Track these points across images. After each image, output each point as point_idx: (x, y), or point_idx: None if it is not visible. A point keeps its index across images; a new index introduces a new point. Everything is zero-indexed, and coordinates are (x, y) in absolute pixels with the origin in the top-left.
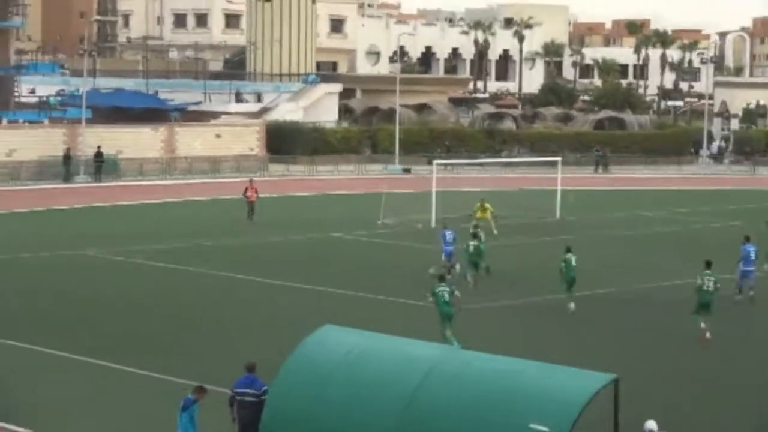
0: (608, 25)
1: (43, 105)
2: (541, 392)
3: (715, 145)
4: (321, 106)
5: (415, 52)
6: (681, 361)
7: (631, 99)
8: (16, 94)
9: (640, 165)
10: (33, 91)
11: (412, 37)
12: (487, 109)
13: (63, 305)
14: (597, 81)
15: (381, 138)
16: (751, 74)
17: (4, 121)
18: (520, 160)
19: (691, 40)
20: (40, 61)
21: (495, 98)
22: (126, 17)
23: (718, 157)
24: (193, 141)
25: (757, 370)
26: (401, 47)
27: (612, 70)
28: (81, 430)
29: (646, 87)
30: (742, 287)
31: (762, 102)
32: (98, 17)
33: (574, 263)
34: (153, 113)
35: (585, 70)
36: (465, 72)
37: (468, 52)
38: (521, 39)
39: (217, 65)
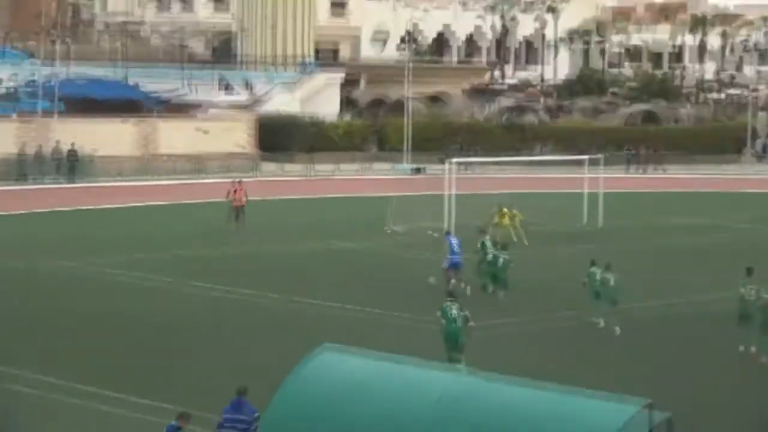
0: (641, 9)
1: (10, 97)
2: (569, 420)
3: (759, 143)
4: (320, 97)
5: (426, 37)
6: (722, 385)
7: (667, 90)
8: None
9: (676, 164)
10: None
11: (423, 19)
12: (508, 101)
13: (28, 324)
14: (630, 70)
15: (388, 133)
16: None
17: None
18: (543, 158)
19: (733, 25)
20: (7, 49)
21: (516, 89)
22: None
23: (763, 156)
24: (175, 137)
25: None
26: (411, 31)
27: (646, 58)
28: None
29: (683, 77)
30: None
31: None
32: None
33: (598, 277)
34: (132, 106)
35: (617, 58)
36: (483, 60)
37: (487, 36)
38: (547, 23)
39: (202, 51)
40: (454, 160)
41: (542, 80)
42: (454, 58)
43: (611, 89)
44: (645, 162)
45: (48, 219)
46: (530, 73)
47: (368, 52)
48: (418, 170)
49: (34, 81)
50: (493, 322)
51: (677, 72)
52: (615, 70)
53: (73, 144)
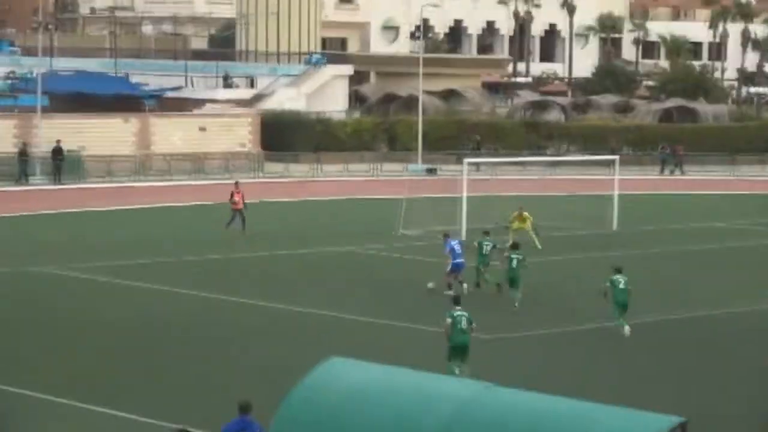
0: None
1: None
2: None
3: None
4: (327, 93)
5: (441, 27)
6: (756, 402)
7: (704, 84)
8: None
9: (715, 165)
10: None
11: (437, 8)
12: (530, 96)
13: (15, 333)
14: (663, 62)
15: (400, 132)
16: None
17: None
18: (568, 158)
19: None
20: None
21: (539, 83)
22: None
23: None
24: (171, 135)
25: None
26: (424, 21)
27: (682, 49)
28: None
29: (723, 70)
30: None
31: None
32: None
33: (622, 286)
34: (123, 101)
35: (649, 49)
36: (502, 51)
37: (506, 26)
38: (571, 11)
39: (200, 42)
40: (470, 160)
41: (569, 72)
42: (472, 50)
43: (645, 83)
44: (682, 162)
45: (32, 222)
46: (552, 66)
47: (378, 44)
48: (431, 171)
49: (15, 73)
50: (505, 331)
51: (717, 64)
52: (650, 61)
53: (58, 142)
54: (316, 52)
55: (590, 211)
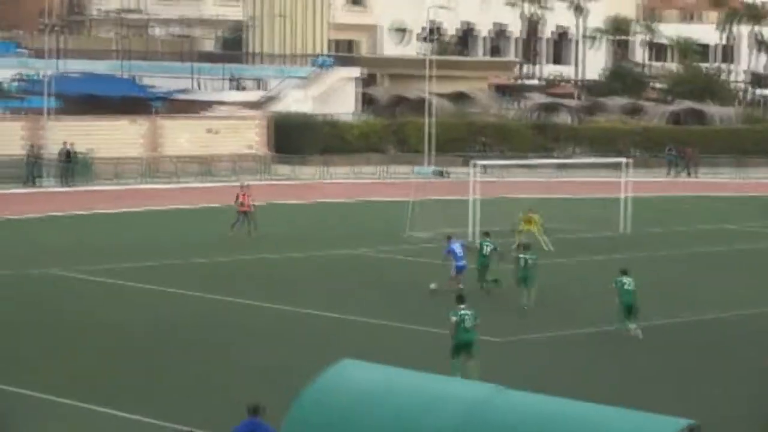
0: None
1: None
2: None
3: None
4: (336, 95)
5: (451, 29)
6: (757, 401)
7: (714, 87)
8: None
9: (724, 167)
10: None
11: (447, 10)
12: (539, 98)
13: (23, 335)
14: (673, 65)
15: (409, 134)
16: None
17: None
18: (577, 161)
19: None
20: None
21: (548, 85)
22: None
23: None
24: (179, 137)
25: None
26: (434, 23)
27: (691, 51)
28: None
29: (732, 72)
30: None
31: None
32: None
33: (629, 287)
34: (132, 103)
35: (658, 52)
36: (511, 54)
37: (516, 28)
38: (581, 13)
39: (209, 45)
40: (480, 162)
41: (578, 75)
42: (482, 53)
43: (654, 85)
44: (693, 165)
45: (40, 224)
46: (562, 68)
47: (388, 46)
48: (440, 173)
49: (23, 75)
50: (514, 333)
51: (726, 66)
52: (658, 64)
53: (66, 144)
54: (324, 54)
55: (599, 213)
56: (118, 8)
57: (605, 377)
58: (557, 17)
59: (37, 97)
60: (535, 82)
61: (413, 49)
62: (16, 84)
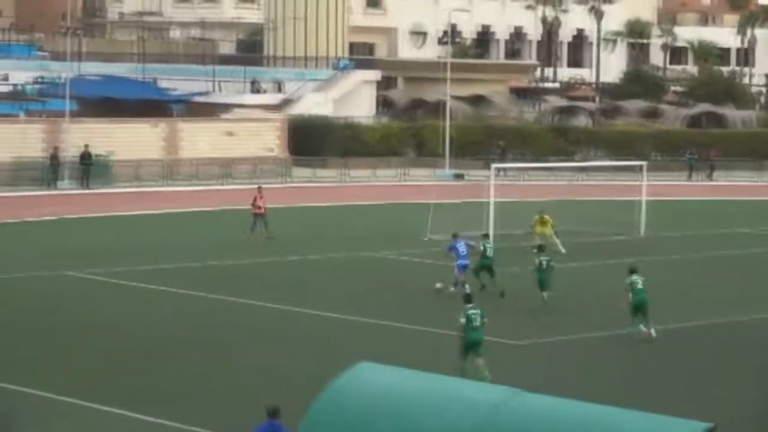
0: (705, 0)
1: (17, 95)
2: None
3: None
4: (355, 98)
5: (469, 32)
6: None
7: (732, 90)
8: None
9: (743, 170)
10: (5, 78)
11: (465, 13)
12: (557, 101)
13: (42, 337)
14: (691, 68)
15: (427, 137)
16: None
17: None
18: (596, 164)
19: None
20: (14, 42)
21: (566, 89)
22: None
23: None
24: (199, 140)
25: None
26: (452, 26)
27: (710, 54)
28: None
29: (751, 75)
30: None
31: None
32: None
33: (640, 286)
34: (151, 106)
35: (677, 55)
36: (530, 57)
37: (534, 32)
38: (599, 16)
39: (228, 47)
40: (498, 165)
41: (597, 78)
42: (500, 55)
43: (672, 88)
44: (713, 168)
45: (59, 227)
46: (580, 71)
47: (406, 50)
48: (459, 176)
49: (43, 78)
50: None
51: (746, 69)
52: (677, 67)
53: (86, 147)
54: (343, 57)
55: (618, 216)
56: (137, 11)
57: (619, 380)
58: (575, 20)
59: (57, 99)
60: (553, 85)
61: (431, 52)
62: (35, 87)
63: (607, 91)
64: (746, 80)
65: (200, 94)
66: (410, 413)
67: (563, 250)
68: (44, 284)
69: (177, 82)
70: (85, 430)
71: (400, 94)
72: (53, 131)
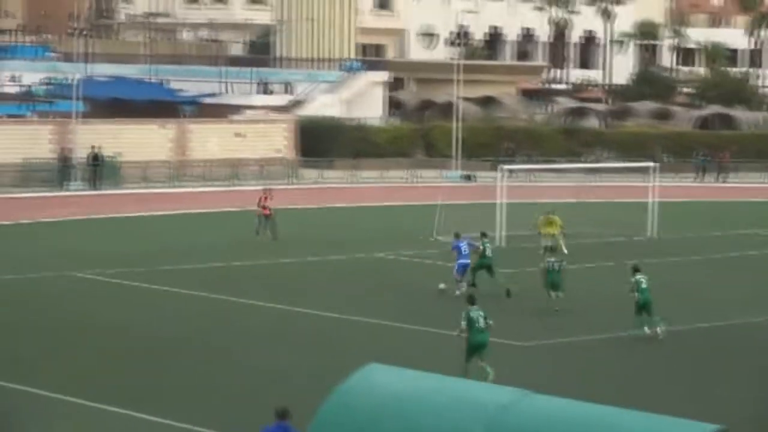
0: (716, 1)
1: (27, 96)
2: None
3: None
4: (364, 99)
5: (479, 34)
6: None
7: (743, 91)
8: None
9: (753, 172)
10: (14, 79)
11: (475, 15)
12: (567, 103)
13: (44, 336)
14: (701, 69)
15: (437, 138)
16: None
17: None
18: (606, 165)
19: None
20: (23, 43)
21: (576, 90)
22: None
23: None
24: (208, 141)
25: None
26: (462, 27)
27: (720, 56)
28: None
29: (761, 77)
30: None
31: None
32: None
33: (644, 285)
34: (160, 107)
35: (687, 56)
36: (540, 58)
37: (544, 33)
38: (609, 17)
39: (238, 49)
40: (508, 167)
41: (607, 79)
42: (510, 57)
43: (682, 89)
44: (725, 170)
45: (67, 228)
46: (590, 73)
47: (416, 50)
48: (468, 177)
49: (52, 79)
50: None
51: (756, 70)
52: (687, 68)
53: (95, 147)
54: (353, 59)
55: (628, 218)
56: (146, 12)
57: (629, 382)
58: (585, 21)
59: (66, 100)
60: (563, 86)
61: (441, 53)
62: (45, 88)
63: (617, 92)
64: (757, 81)
65: (210, 95)
66: (419, 415)
67: (565, 251)
68: (50, 284)
69: (186, 83)
70: (87, 429)
71: (409, 95)
72: (62, 132)
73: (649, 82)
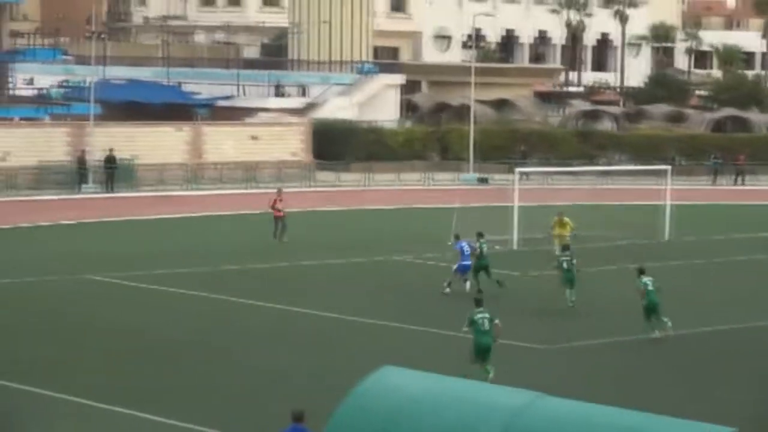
0: (731, 4)
1: (42, 99)
2: None
3: None
4: (379, 102)
5: (493, 36)
6: None
7: (758, 94)
8: (10, 85)
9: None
10: (30, 82)
11: (490, 17)
12: (582, 105)
13: (66, 340)
14: (716, 72)
15: (452, 141)
16: None
17: None
18: (621, 168)
19: None
20: (39, 46)
21: (591, 93)
22: None
23: None
24: (223, 143)
25: None
26: (477, 30)
27: (735, 58)
28: None
29: None
30: None
31: None
32: None
33: (651, 287)
34: (175, 109)
35: (701, 59)
36: (554, 61)
37: (558, 35)
38: (624, 20)
39: (253, 51)
40: (522, 169)
41: (621, 82)
42: (524, 59)
43: (697, 92)
44: (741, 172)
45: (82, 230)
46: (605, 75)
47: (430, 53)
48: (483, 180)
49: (68, 81)
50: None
51: None
52: (702, 71)
53: (110, 150)
54: (368, 61)
55: (642, 220)
56: (161, 15)
57: (642, 385)
58: (599, 24)
59: (81, 103)
60: (578, 89)
61: (455, 56)
62: (60, 90)
63: (631, 95)
64: None
65: (224, 98)
66: (434, 417)
67: (557, 253)
68: (62, 287)
69: (201, 86)
70: (89, 429)
71: (424, 98)
72: (78, 135)
73: (663, 85)
